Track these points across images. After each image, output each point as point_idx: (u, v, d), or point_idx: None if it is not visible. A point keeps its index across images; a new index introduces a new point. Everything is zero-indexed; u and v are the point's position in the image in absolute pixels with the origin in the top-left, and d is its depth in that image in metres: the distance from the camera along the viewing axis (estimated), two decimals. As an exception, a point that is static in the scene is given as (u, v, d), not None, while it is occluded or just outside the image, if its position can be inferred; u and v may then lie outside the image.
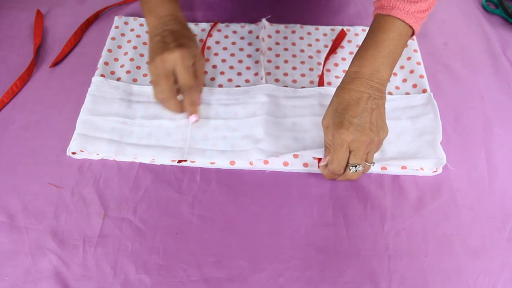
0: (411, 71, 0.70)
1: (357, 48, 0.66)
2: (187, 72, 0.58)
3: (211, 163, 0.60)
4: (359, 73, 0.55)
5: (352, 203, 0.58)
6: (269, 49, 0.74)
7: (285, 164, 0.60)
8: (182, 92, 0.60)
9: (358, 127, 0.52)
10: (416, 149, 0.61)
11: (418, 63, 0.72)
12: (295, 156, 0.60)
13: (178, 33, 0.59)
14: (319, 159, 0.60)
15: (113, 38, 0.73)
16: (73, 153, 0.60)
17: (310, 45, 0.75)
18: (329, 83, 0.69)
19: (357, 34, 0.76)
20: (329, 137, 0.55)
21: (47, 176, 0.59)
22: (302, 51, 0.74)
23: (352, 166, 0.55)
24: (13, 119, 0.64)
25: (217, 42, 0.75)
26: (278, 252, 0.54)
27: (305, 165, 0.60)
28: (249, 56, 0.73)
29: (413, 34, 0.57)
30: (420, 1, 0.54)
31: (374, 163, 0.56)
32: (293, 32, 0.77)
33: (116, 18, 0.76)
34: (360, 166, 0.55)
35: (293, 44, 0.75)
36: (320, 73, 0.71)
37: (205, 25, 0.77)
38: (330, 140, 0.55)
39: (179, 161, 0.60)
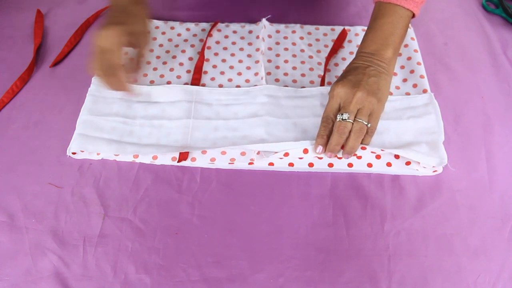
0: (411, 71, 0.70)
1: (358, 49, 0.66)
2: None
3: (211, 159, 0.60)
4: (361, 52, 0.62)
5: (352, 203, 0.58)
6: (269, 49, 0.74)
7: (291, 165, 0.60)
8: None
9: (350, 82, 0.59)
10: (418, 148, 0.61)
11: (419, 63, 0.71)
12: (300, 158, 0.60)
13: (119, 9, 0.60)
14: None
15: (113, 38, 0.73)
16: (73, 153, 0.60)
17: (310, 45, 0.75)
18: (329, 83, 0.69)
19: (357, 34, 0.76)
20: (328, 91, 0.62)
21: (47, 176, 0.59)
22: (302, 51, 0.74)
23: (340, 114, 0.58)
24: (13, 119, 0.64)
25: (217, 42, 0.75)
26: (278, 252, 0.54)
27: (311, 165, 0.60)
28: (249, 56, 0.73)
29: (413, 16, 0.62)
30: None
31: (369, 124, 0.58)
32: (293, 32, 0.77)
33: (116, 18, 0.76)
34: (347, 114, 0.57)
35: (293, 44, 0.75)
36: (321, 73, 0.71)
37: (205, 25, 0.77)
38: (328, 93, 0.62)
39: (179, 161, 0.60)
